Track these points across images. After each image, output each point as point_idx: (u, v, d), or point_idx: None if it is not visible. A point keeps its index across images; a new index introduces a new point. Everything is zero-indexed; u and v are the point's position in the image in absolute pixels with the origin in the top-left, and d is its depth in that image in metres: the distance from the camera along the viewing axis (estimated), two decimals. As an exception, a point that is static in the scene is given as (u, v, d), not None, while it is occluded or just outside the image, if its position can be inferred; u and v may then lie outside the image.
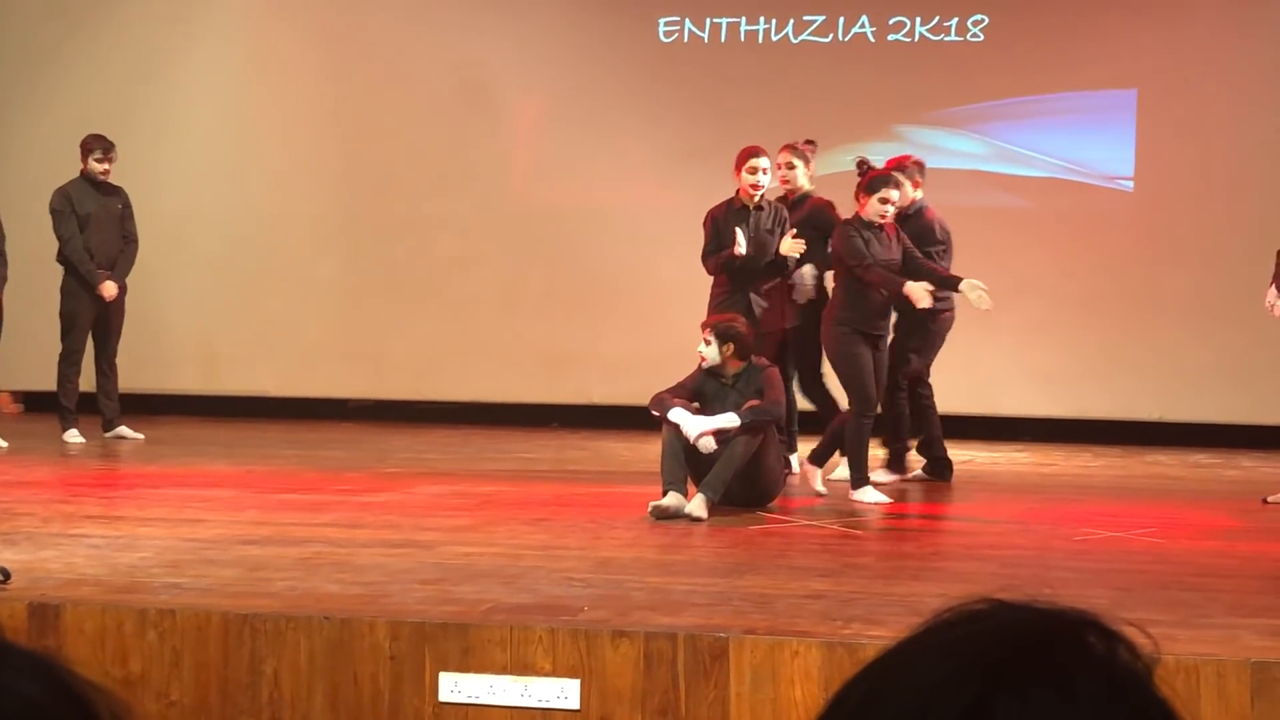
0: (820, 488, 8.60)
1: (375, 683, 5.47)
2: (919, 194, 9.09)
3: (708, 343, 8.29)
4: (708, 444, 7.98)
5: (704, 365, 8.29)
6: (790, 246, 8.78)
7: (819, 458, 8.66)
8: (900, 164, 9.08)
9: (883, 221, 8.45)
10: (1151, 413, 11.62)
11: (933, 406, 9.19)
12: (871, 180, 8.52)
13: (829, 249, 8.73)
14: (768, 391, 8.17)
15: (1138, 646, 0.99)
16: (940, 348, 9.16)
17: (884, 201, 8.44)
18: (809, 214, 9.09)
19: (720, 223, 8.93)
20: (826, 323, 8.48)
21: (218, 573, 6.28)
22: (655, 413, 8.21)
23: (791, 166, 9.21)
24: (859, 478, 8.39)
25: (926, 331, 8.97)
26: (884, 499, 8.32)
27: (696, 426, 8.00)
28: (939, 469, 9.23)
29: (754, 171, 8.89)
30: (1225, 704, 5.03)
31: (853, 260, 8.37)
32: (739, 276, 8.85)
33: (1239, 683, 5.03)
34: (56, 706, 1.02)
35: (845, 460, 8.64)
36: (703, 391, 8.31)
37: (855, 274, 8.35)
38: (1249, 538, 7.60)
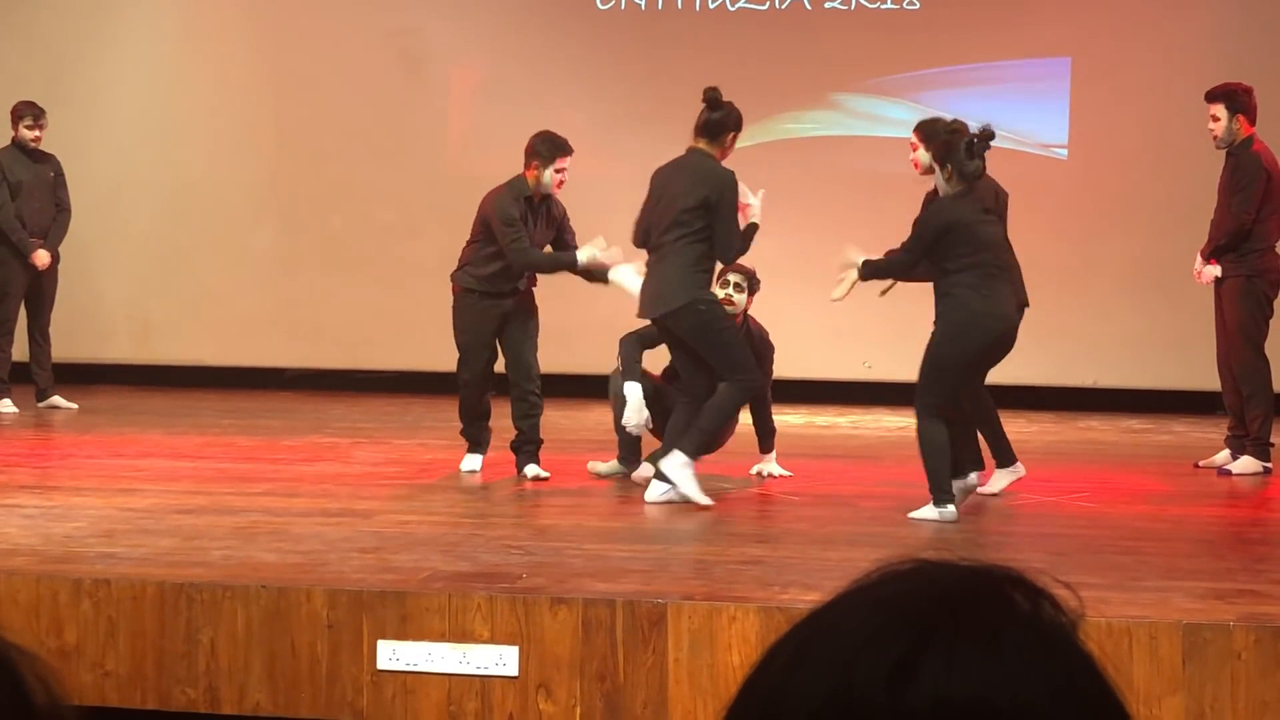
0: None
1: (313, 651, 5.46)
2: None
3: (740, 289, 8.17)
4: (638, 429, 8.05)
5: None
6: None
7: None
8: None
9: None
10: (1086, 379, 11.72)
11: None
12: None
13: None
14: (766, 360, 8.16)
15: (1062, 602, 1.00)
16: None
17: None
18: None
19: None
20: None
21: (153, 542, 6.25)
22: (620, 368, 8.24)
23: None
24: None
25: None
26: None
27: (638, 415, 8.05)
28: None
29: None
30: (1157, 666, 5.09)
31: None
32: None
33: (1171, 645, 5.09)
34: None
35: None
36: None
37: None
38: (1180, 502, 7.68)
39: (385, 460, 8.66)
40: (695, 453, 7.46)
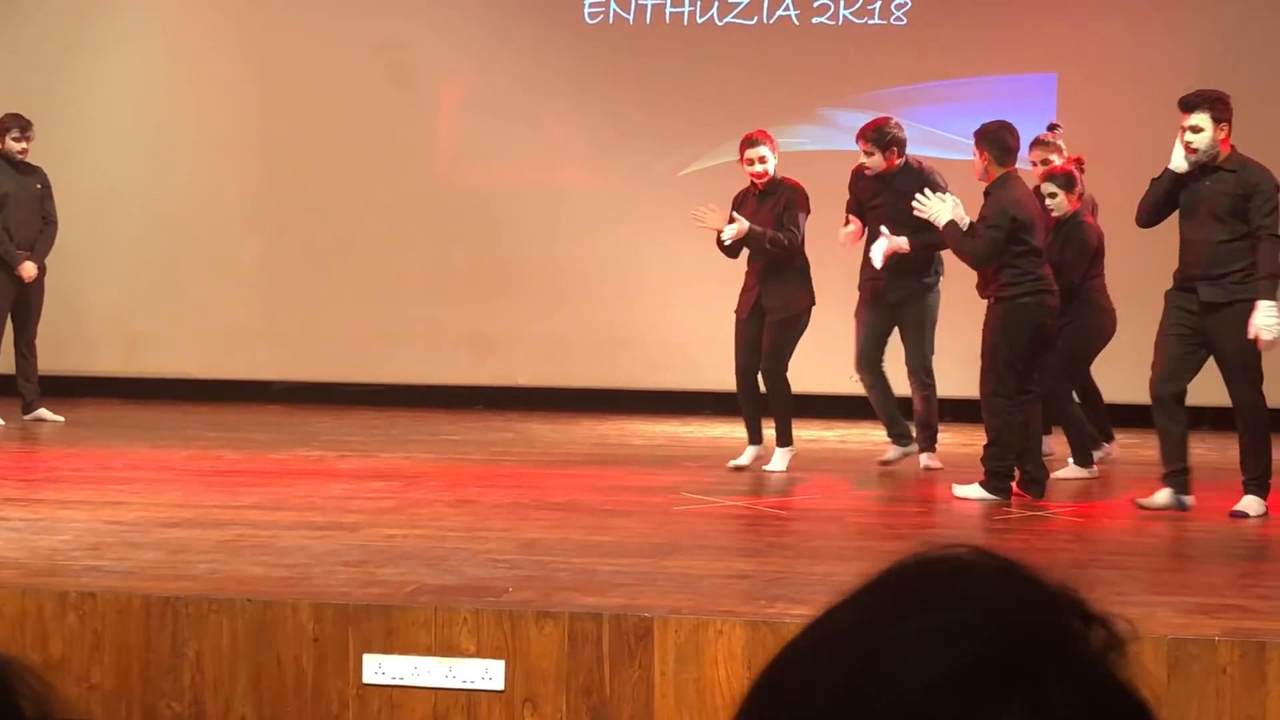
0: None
1: (299, 665, 5.45)
2: None
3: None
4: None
5: None
6: None
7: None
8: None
9: None
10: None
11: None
12: None
13: None
14: None
15: (1118, 633, 0.98)
16: None
17: None
18: None
19: None
20: None
21: (139, 555, 6.24)
22: None
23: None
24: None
25: None
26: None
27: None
28: None
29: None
30: (1142, 681, 5.09)
31: None
32: None
33: (1156, 660, 5.10)
34: None
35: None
36: None
37: None
38: (1166, 517, 7.69)
39: (372, 473, 8.65)
40: None
